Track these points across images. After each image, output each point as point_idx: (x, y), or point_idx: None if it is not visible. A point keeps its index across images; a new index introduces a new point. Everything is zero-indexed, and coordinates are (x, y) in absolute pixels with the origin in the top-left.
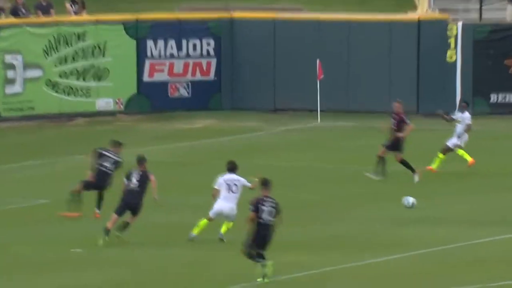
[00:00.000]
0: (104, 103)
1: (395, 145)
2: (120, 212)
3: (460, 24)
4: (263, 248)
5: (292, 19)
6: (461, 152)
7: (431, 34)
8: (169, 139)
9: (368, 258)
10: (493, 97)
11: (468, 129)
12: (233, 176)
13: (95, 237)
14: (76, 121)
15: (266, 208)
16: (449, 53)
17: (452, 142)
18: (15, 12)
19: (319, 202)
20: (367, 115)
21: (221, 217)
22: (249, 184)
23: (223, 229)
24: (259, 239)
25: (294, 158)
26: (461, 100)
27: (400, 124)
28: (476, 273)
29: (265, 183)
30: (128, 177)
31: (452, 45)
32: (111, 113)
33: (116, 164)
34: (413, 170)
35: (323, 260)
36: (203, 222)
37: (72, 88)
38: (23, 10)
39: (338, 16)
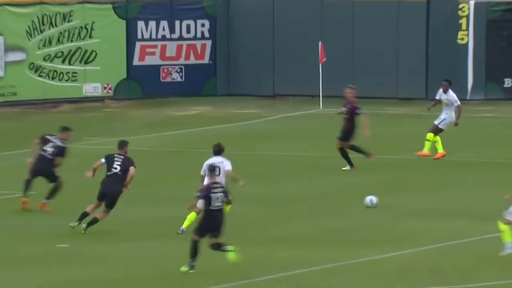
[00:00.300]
0: (91, 88)
1: (347, 135)
2: (100, 198)
3: (472, 3)
4: (216, 232)
5: None
6: (429, 136)
7: (441, 14)
8: (160, 126)
9: (372, 254)
10: (507, 82)
11: (459, 111)
12: (216, 159)
13: (82, 231)
14: (61, 107)
15: (215, 195)
16: (460, 34)
17: (438, 121)
18: None
19: (319, 194)
20: (372, 101)
21: None
22: (229, 168)
23: None
24: (211, 225)
25: (294, 147)
26: (443, 80)
27: (351, 113)
28: (487, 269)
29: (212, 170)
30: (109, 162)
31: (464, 26)
32: (99, 99)
33: (57, 148)
34: (350, 161)
35: (325, 256)
36: (192, 214)
37: (57, 72)
38: None
39: None
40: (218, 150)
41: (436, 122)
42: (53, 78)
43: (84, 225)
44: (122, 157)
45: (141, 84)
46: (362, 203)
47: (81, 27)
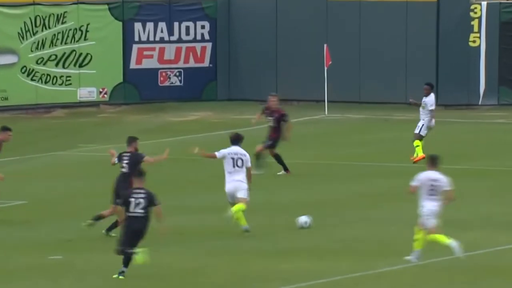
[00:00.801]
0: (86, 93)
1: (275, 143)
2: (115, 201)
3: (484, 3)
4: (135, 243)
5: None
6: (417, 143)
7: (452, 15)
8: (158, 133)
9: (382, 266)
10: None
11: (431, 115)
12: (238, 150)
13: (76, 242)
14: (54, 112)
15: (134, 200)
16: (472, 36)
17: (417, 130)
18: None
19: (325, 203)
20: (379, 107)
21: (234, 193)
22: (249, 165)
23: (242, 221)
24: (130, 233)
25: (298, 154)
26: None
27: (278, 121)
28: (501, 282)
29: (138, 174)
30: (120, 161)
31: (476, 28)
32: (94, 104)
33: None
34: (285, 166)
35: (332, 268)
36: (233, 209)
37: (50, 76)
38: None
39: None
40: (236, 139)
41: (416, 131)
42: (46, 82)
43: (104, 231)
44: (129, 154)
45: (138, 89)
46: (373, 212)
47: (76, 28)
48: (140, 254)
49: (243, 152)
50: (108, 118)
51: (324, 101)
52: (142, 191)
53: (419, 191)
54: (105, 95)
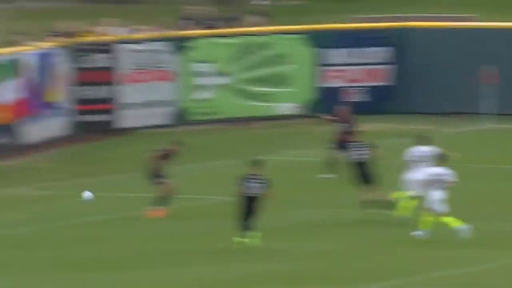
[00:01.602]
0: (284, 108)
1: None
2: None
3: None
4: (249, 218)
5: (463, 27)
6: None
7: None
8: None
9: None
10: None
11: None
12: (424, 148)
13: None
14: (258, 124)
15: (249, 184)
16: None
17: None
18: (205, 24)
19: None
20: None
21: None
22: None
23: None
24: (246, 211)
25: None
26: None
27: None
28: None
29: (255, 163)
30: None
31: None
32: (291, 117)
33: None
34: None
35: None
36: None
37: (256, 94)
38: (212, 22)
39: (505, 24)
40: (422, 140)
41: None
42: (252, 99)
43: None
44: (364, 143)
45: (329, 104)
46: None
47: (277, 55)
48: (254, 238)
49: (428, 149)
50: (302, 129)
51: (486, 113)
52: (256, 177)
53: None
54: (300, 110)
